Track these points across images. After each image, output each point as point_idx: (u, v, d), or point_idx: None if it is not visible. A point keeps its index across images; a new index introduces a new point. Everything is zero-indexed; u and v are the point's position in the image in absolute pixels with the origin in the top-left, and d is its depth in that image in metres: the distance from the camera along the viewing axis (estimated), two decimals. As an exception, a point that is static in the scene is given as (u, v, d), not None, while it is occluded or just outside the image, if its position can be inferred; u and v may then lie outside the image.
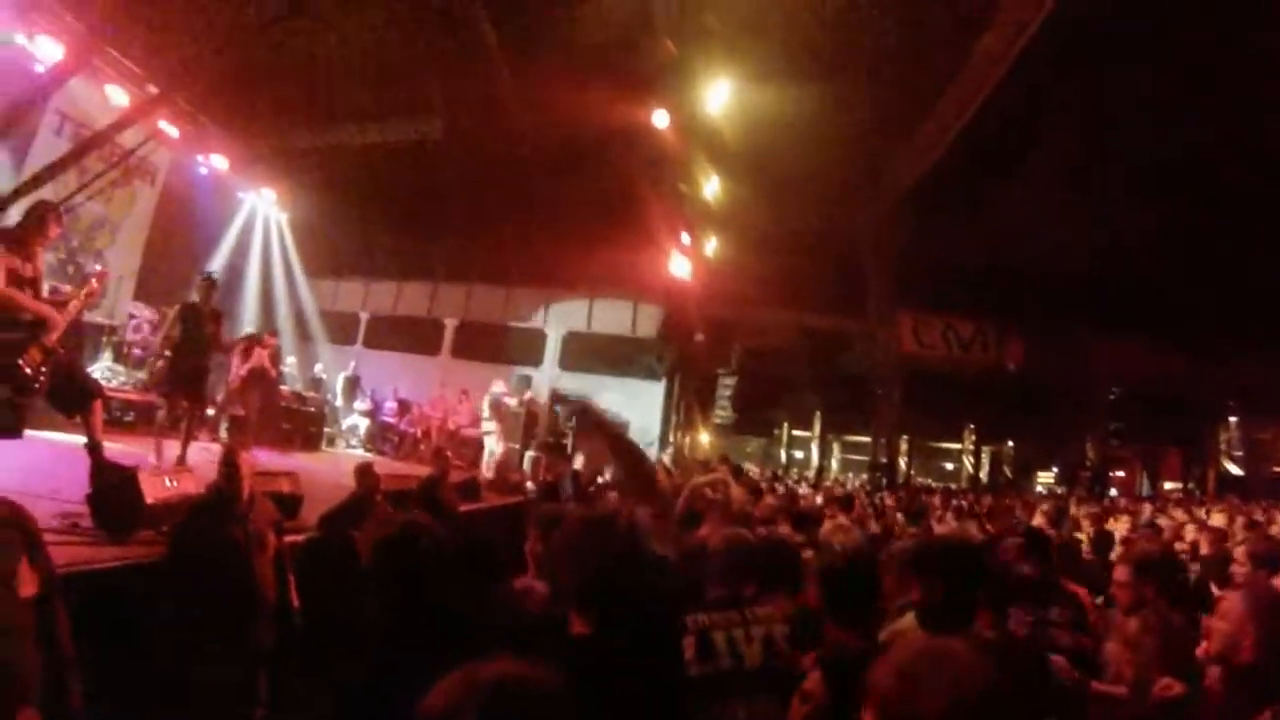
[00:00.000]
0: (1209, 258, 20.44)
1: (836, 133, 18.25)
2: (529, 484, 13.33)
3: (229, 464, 4.92)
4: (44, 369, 5.61)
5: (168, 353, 8.40)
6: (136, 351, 12.64)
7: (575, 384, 19.17)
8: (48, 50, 11.30)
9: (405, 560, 2.49)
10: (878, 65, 16.62)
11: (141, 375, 11.93)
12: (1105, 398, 24.57)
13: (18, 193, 9.87)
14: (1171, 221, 19.42)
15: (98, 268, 6.97)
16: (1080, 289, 22.27)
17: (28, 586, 3.01)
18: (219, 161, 16.56)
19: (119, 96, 12.91)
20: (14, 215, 6.34)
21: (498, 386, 16.15)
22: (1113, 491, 24.52)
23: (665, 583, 2.99)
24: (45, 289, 6.12)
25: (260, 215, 18.84)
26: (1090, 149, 18.04)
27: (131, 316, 12.74)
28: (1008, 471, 31.90)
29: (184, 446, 7.92)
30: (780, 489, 12.87)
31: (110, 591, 4.33)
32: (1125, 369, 23.95)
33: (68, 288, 7.39)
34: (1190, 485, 26.83)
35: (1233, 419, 26.47)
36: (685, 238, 19.12)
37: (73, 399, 6.05)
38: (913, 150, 19.33)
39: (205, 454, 7.81)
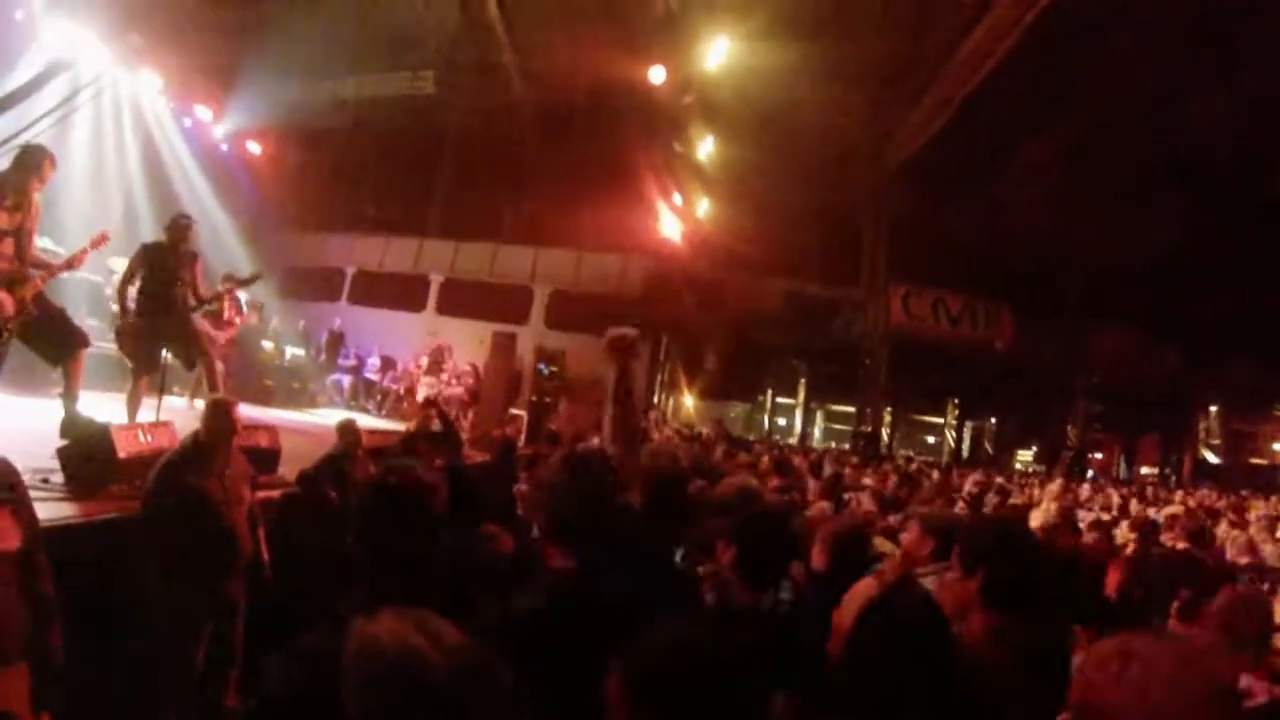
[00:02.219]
0: (1203, 253, 20.51)
1: (838, 99, 18.10)
2: (521, 439, 13.25)
3: (223, 413, 4.81)
4: (8, 327, 5.48)
5: (131, 303, 7.35)
6: (114, 307, 12.41)
7: (560, 342, 19.01)
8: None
9: (397, 502, 2.43)
10: (883, 31, 16.45)
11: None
12: (1089, 381, 24.66)
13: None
14: (1168, 214, 19.42)
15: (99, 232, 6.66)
16: (1073, 273, 22.38)
17: (10, 539, 3.03)
18: (203, 112, 16.29)
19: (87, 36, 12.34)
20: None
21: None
22: (1090, 473, 24.72)
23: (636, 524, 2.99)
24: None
25: (245, 167, 18.47)
26: (1093, 135, 17.94)
27: (111, 271, 12.49)
28: (989, 447, 32.06)
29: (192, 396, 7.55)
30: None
31: (81, 547, 4.22)
32: (1111, 355, 24.05)
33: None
34: (1167, 471, 27.08)
35: (1213, 408, 26.67)
36: (677, 198, 18.99)
37: (57, 348, 5.98)
38: (915, 121, 19.20)
39: (183, 410, 7.69)
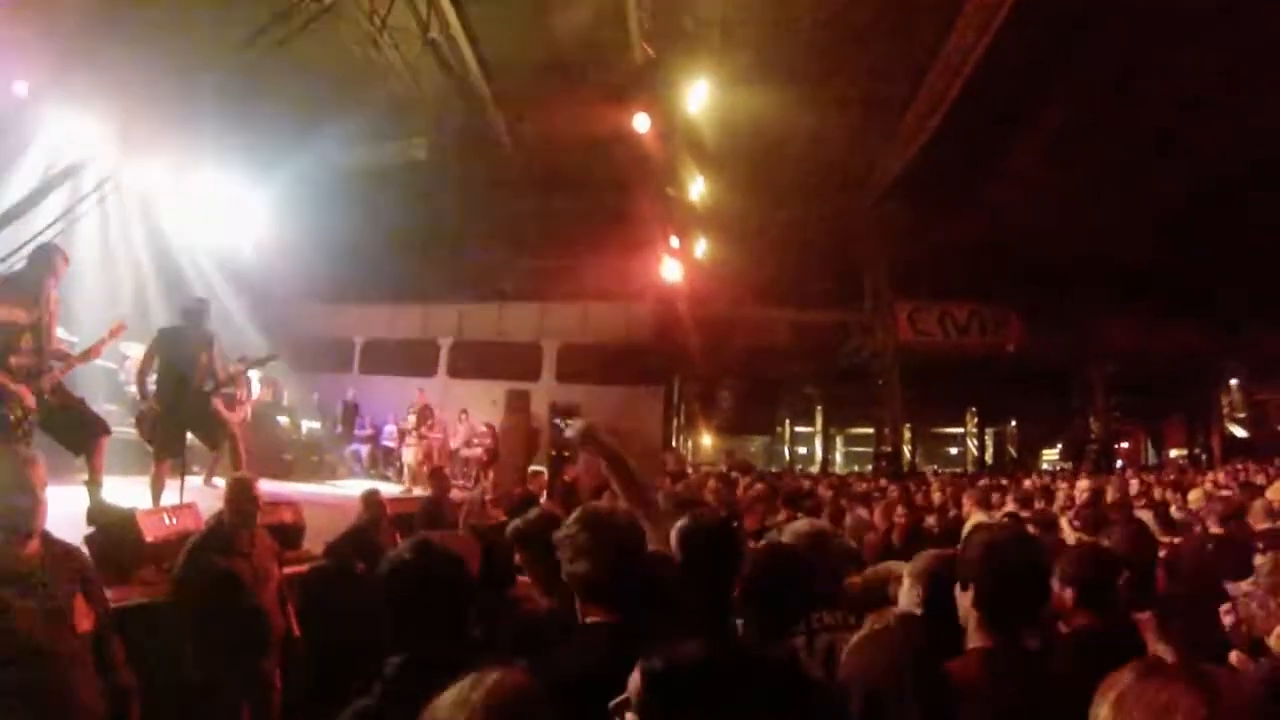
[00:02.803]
0: (1203, 224, 20.42)
1: (823, 125, 18.24)
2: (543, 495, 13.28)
3: (245, 491, 4.88)
4: (30, 419, 5.61)
5: (151, 387, 7.49)
6: (130, 390, 12.57)
7: (573, 395, 19.08)
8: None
9: (419, 581, 2.48)
10: (860, 53, 16.60)
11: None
12: (1106, 371, 24.50)
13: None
14: (1163, 189, 19.41)
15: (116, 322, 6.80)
16: (1074, 265, 22.26)
17: (84, 622, 3.23)
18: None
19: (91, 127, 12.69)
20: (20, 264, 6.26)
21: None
22: (1119, 463, 24.50)
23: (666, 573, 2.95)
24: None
25: (250, 245, 18.68)
26: (1075, 123, 17.98)
27: (125, 357, 12.64)
28: (1012, 451, 31.89)
29: (209, 475, 7.64)
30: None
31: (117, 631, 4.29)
32: (1124, 341, 23.91)
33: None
34: (1196, 450, 26.78)
35: (1234, 382, 26.40)
36: (675, 241, 19.12)
37: (79, 436, 6.07)
38: (899, 138, 19.31)
39: (205, 491, 7.76)
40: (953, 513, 9.64)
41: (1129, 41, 15.48)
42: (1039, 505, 9.31)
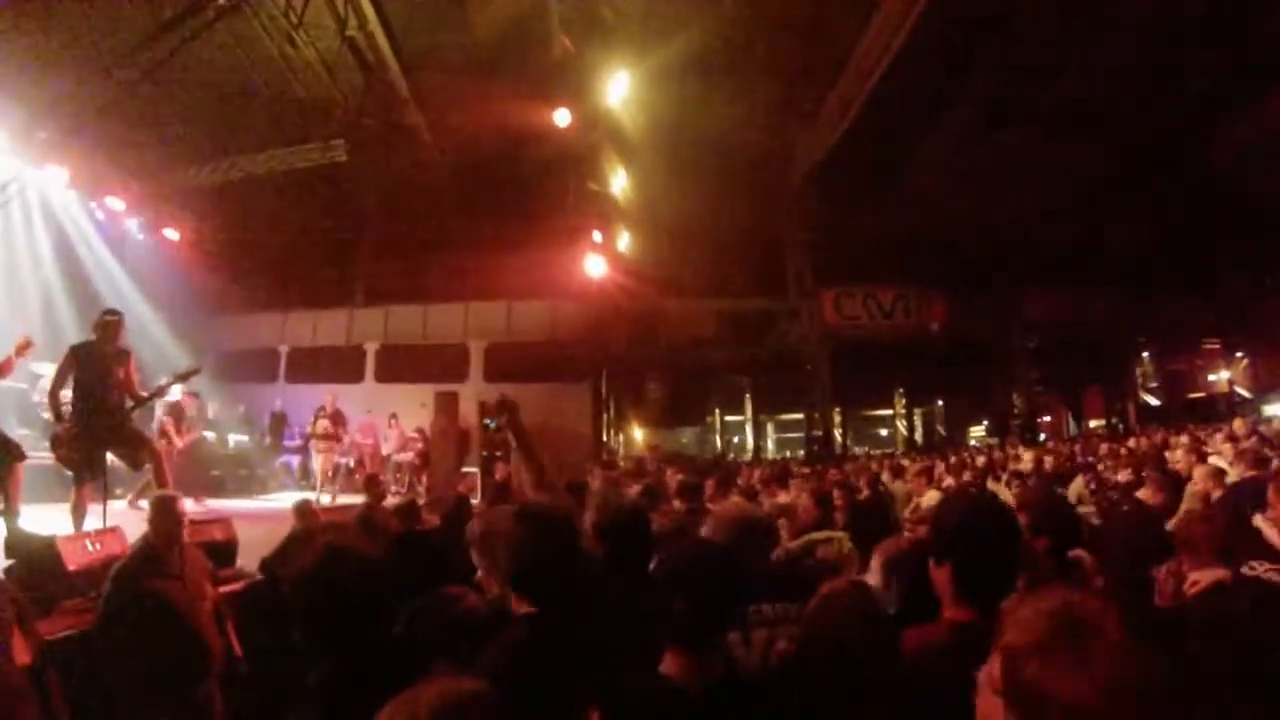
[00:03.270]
0: (1110, 200, 21.10)
1: (742, 116, 18.37)
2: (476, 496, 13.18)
3: (168, 509, 4.73)
4: None
5: (66, 407, 7.05)
6: (44, 415, 12.14)
7: (501, 395, 18.94)
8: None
9: (330, 590, 2.43)
10: (779, 45, 16.72)
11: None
12: (1026, 346, 25.14)
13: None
14: (1072, 168, 19.96)
15: (19, 338, 6.47)
16: (994, 244, 22.81)
17: (23, 655, 3.28)
18: (114, 203, 15.99)
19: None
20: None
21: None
22: (1042, 436, 25.16)
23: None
24: None
25: (162, 256, 18.19)
26: (986, 109, 18.38)
27: (38, 376, 12.19)
28: (941, 430, 32.49)
29: (135, 496, 7.39)
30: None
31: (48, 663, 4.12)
32: (1042, 317, 24.62)
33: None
34: (1114, 420, 27.64)
35: (1145, 354, 27.35)
36: (598, 236, 19.08)
37: None
38: (819, 127, 19.51)
39: (131, 514, 7.51)
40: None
41: (1041, 31, 15.92)
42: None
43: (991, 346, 25.41)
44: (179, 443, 12.11)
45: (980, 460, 14.15)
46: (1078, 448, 15.23)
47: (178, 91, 14.41)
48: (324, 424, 14.98)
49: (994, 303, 24.24)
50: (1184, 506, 5.84)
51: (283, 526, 7.00)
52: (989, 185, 20.51)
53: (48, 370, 11.78)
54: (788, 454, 28.99)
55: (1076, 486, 9.06)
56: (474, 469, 16.14)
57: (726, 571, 2.35)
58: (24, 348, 6.42)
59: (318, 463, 15.06)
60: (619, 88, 16.09)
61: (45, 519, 6.29)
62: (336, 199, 19.60)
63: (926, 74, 16.62)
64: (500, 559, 2.73)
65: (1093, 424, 28.84)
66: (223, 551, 6.30)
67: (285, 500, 11.69)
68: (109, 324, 7.29)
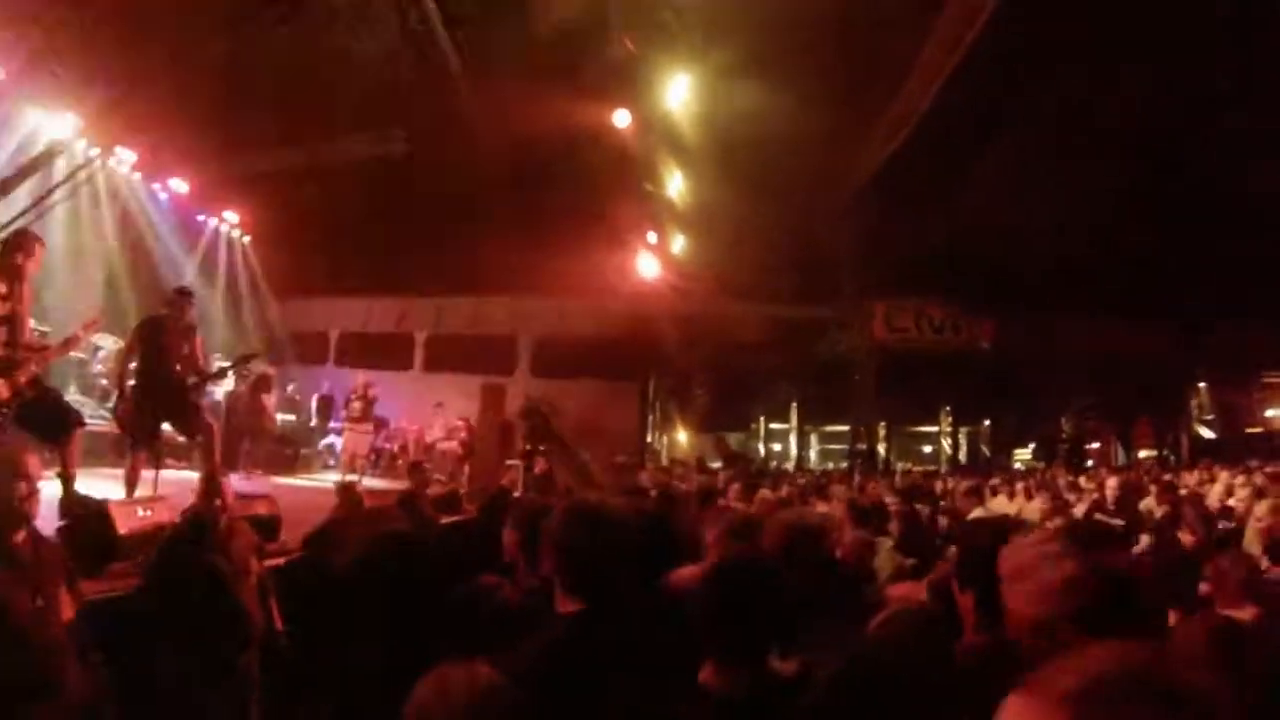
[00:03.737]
0: (1171, 229, 20.66)
1: (801, 123, 18.25)
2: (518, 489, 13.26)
3: (212, 488, 4.84)
4: (6, 409, 5.52)
5: (130, 382, 7.36)
6: (102, 383, 12.48)
7: (549, 390, 19.04)
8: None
9: (387, 574, 2.47)
10: (840, 54, 16.63)
11: (109, 406, 11.81)
12: (1078, 371, 24.70)
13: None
14: (1137, 194, 19.60)
15: (86, 314, 6.82)
16: (1049, 265, 22.39)
17: (67, 611, 3.42)
18: (179, 186, 16.42)
19: (64, 122, 12.75)
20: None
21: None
22: (1089, 463, 24.74)
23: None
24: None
25: (224, 238, 18.66)
26: (1044, 133, 18.15)
27: (97, 348, 12.52)
28: (986, 451, 32.10)
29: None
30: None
31: (89, 626, 4.23)
32: (1096, 342, 24.13)
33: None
34: (1165, 451, 27.09)
35: (1202, 385, 26.75)
36: (652, 237, 19.11)
37: (53, 428, 6.03)
38: (877, 136, 19.36)
39: (179, 482, 7.67)
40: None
41: (1106, 47, 15.67)
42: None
43: (1041, 368, 25.03)
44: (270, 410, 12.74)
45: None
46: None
47: (244, 83, 14.65)
48: (357, 405, 15.16)
49: (1045, 324, 23.80)
50: (1245, 543, 5.76)
51: (323, 505, 7.11)
52: (1046, 205, 20.21)
53: (107, 343, 12.18)
54: (829, 465, 28.82)
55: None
56: (517, 462, 16.26)
57: (773, 584, 2.33)
58: (91, 325, 6.71)
59: (343, 443, 15.31)
60: (679, 91, 16.09)
61: (96, 484, 6.46)
62: (393, 188, 19.79)
63: (987, 86, 16.44)
64: (545, 553, 2.72)
65: (1143, 454, 28.29)
66: (267, 526, 6.40)
67: (327, 480, 11.87)
68: (180, 301, 7.61)
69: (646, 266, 18.92)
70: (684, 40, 15.78)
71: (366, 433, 15.39)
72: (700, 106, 16.71)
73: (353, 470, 14.35)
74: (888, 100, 18.04)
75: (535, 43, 15.61)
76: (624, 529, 2.77)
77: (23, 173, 11.35)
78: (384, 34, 15.29)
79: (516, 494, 11.93)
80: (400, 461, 16.38)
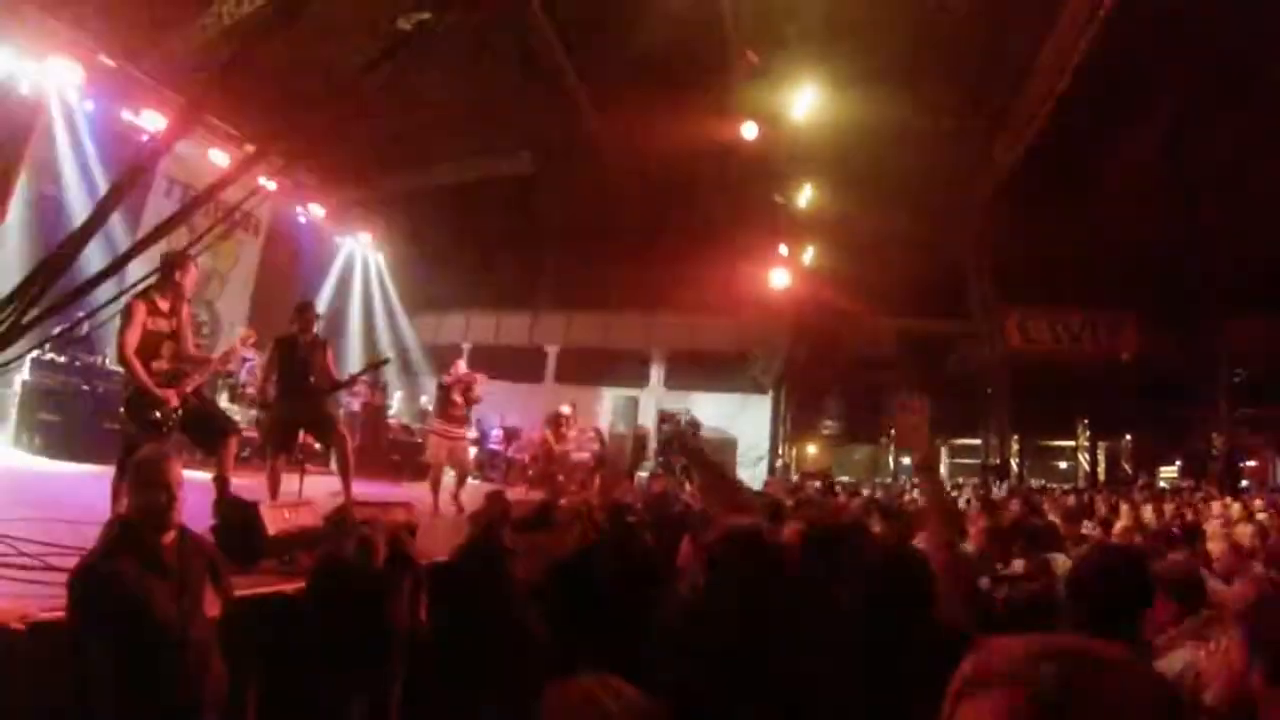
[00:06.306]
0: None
1: (927, 131, 17.92)
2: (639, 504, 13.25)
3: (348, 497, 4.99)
4: (173, 417, 5.97)
5: (272, 394, 8.00)
6: (249, 391, 13.25)
7: (681, 403, 19.15)
8: (152, 122, 13.22)
9: (580, 579, 2.53)
10: (961, 54, 16.26)
11: (254, 413, 12.44)
12: (1230, 380, 23.21)
13: (132, 252, 10.23)
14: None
15: (241, 330, 7.39)
16: (1195, 266, 21.17)
17: (213, 607, 3.56)
18: (316, 210, 17.35)
19: (220, 158, 14.39)
20: (136, 272, 6.55)
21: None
22: (1244, 482, 23.24)
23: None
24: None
25: (359, 257, 19.48)
26: (1190, 116, 17.20)
27: (245, 360, 13.22)
28: (1126, 467, 30.69)
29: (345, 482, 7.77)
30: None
31: (246, 620, 4.42)
32: (1250, 348, 22.52)
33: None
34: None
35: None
36: (783, 249, 19.01)
37: (211, 435, 6.46)
38: (1003, 139, 18.85)
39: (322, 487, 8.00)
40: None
41: (1245, 26, 14.72)
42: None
43: (1189, 378, 23.69)
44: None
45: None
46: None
47: (373, 106, 15.19)
48: (458, 397, 11.02)
49: (1194, 330, 22.38)
50: None
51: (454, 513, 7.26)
52: (1188, 200, 19.21)
53: (252, 355, 12.89)
54: (959, 481, 28.05)
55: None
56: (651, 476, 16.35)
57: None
58: (246, 339, 7.17)
59: (430, 450, 11.52)
60: (804, 101, 15.97)
61: (243, 486, 6.79)
62: (523, 206, 20.24)
63: (1116, 79, 15.74)
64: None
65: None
66: (405, 531, 6.59)
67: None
68: (305, 315, 8.07)
69: (779, 279, 18.82)
70: (806, 50, 15.67)
71: (461, 438, 11.22)
72: (826, 116, 16.54)
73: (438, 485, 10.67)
74: (1014, 95, 17.52)
75: (655, 61, 15.75)
76: (774, 555, 2.75)
77: (196, 202, 11.99)
78: (506, 60, 15.68)
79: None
80: (530, 471, 16.64)
